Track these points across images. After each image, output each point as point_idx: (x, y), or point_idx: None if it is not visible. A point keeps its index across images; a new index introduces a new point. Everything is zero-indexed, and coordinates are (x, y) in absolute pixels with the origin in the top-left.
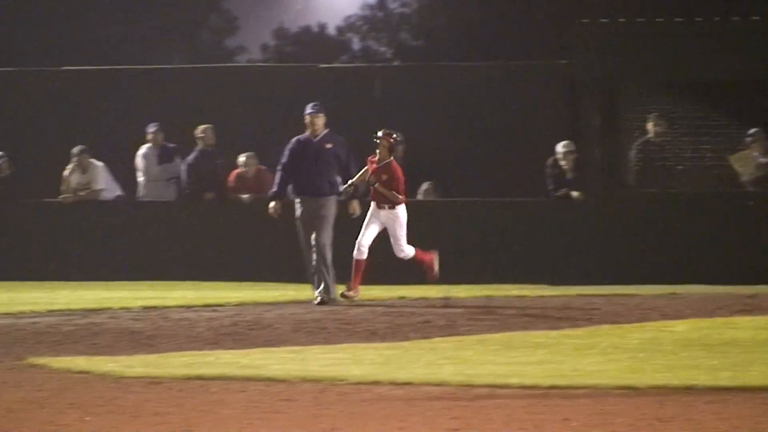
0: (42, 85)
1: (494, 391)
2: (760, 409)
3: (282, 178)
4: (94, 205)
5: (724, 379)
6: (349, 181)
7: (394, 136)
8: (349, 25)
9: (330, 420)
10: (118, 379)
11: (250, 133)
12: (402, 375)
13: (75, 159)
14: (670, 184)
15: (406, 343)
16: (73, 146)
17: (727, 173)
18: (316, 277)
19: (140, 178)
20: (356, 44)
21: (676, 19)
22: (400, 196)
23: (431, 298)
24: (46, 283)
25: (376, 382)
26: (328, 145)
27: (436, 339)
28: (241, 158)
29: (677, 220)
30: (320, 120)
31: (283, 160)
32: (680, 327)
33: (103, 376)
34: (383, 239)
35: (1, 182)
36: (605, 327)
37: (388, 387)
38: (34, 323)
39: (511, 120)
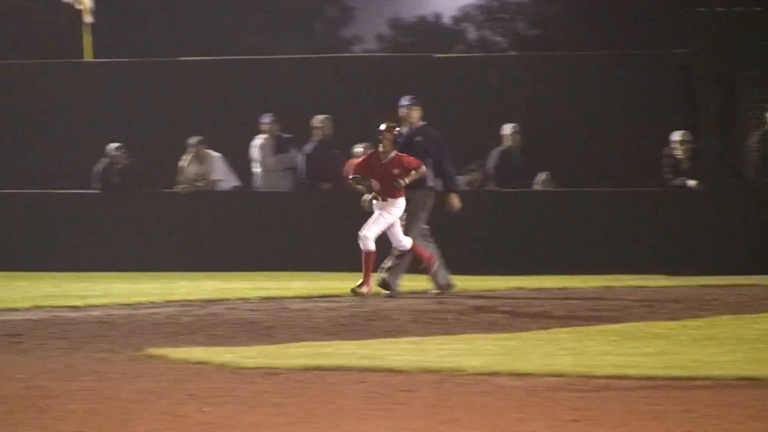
0: (159, 76)
1: (614, 382)
2: None
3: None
4: (211, 196)
5: None
6: (366, 198)
7: (398, 129)
8: (465, 15)
9: (449, 411)
10: (237, 370)
11: (366, 124)
12: (521, 366)
13: (192, 150)
14: None
15: (525, 334)
16: (190, 137)
17: None
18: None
19: (256, 168)
20: (472, 34)
21: None
22: (422, 169)
23: (549, 288)
24: (164, 274)
25: (495, 373)
26: (417, 138)
27: (555, 329)
28: (358, 148)
29: None
30: (415, 113)
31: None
32: None
33: (221, 367)
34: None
35: (118, 173)
36: (725, 318)
37: (507, 378)
38: (153, 314)
39: (627, 109)
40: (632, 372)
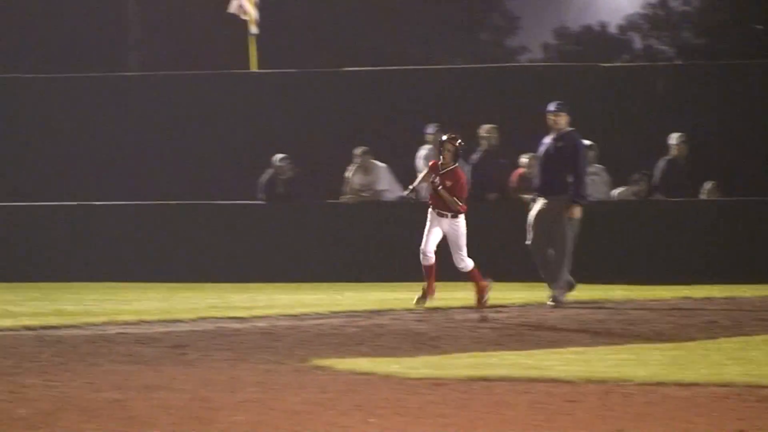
0: (324, 86)
1: None
2: None
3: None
4: (376, 206)
5: None
6: (411, 186)
7: (459, 140)
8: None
9: (615, 421)
10: (402, 381)
11: (532, 133)
12: (687, 375)
13: (357, 160)
14: None
15: (690, 344)
16: (355, 147)
17: None
18: (545, 275)
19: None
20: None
21: None
22: (461, 205)
23: (715, 297)
24: (329, 284)
25: (661, 383)
26: (560, 144)
27: (721, 339)
28: (524, 158)
29: None
30: (561, 119)
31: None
32: None
33: (386, 378)
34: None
35: (283, 184)
36: None
37: (673, 388)
38: (318, 325)
39: None
40: None
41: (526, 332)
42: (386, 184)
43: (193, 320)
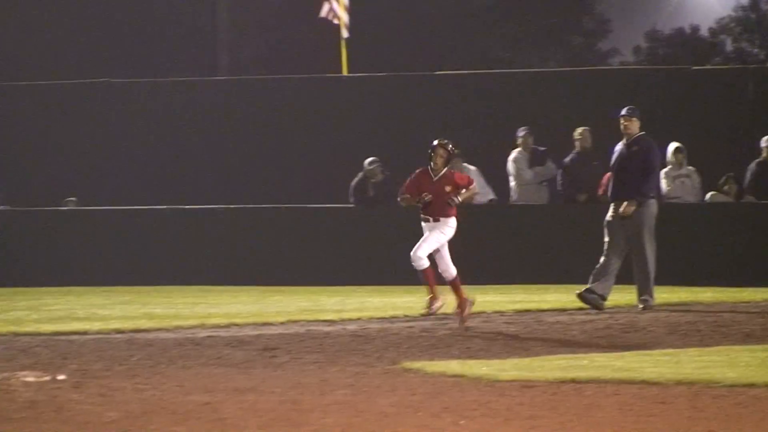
0: (414, 90)
1: None
2: None
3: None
4: (467, 209)
5: None
6: (424, 196)
7: (451, 146)
8: (722, 27)
9: (705, 423)
10: (492, 383)
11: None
12: None
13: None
14: None
15: None
16: None
17: None
18: (599, 279)
19: (512, 182)
20: (728, 46)
21: None
22: (476, 190)
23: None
24: (419, 288)
25: (751, 385)
26: (634, 149)
27: None
28: None
29: None
30: (633, 124)
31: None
32: None
33: (476, 380)
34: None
35: (374, 187)
36: None
37: (764, 389)
38: (408, 327)
39: None
40: None
41: (616, 334)
42: (477, 187)
43: (284, 323)
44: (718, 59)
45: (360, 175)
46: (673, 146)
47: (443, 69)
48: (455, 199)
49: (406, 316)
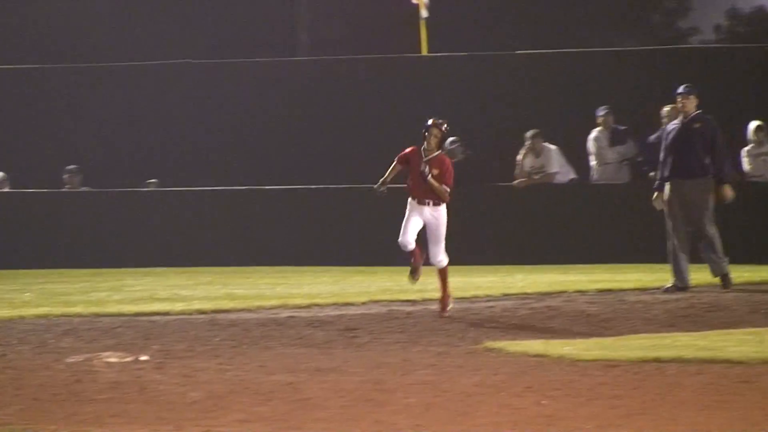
0: (495, 69)
1: None
2: None
3: (663, 161)
4: (548, 189)
5: None
6: (381, 180)
7: (446, 126)
8: None
9: None
10: (574, 363)
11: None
12: None
13: (528, 143)
14: None
15: None
16: (527, 130)
17: None
18: (674, 262)
19: (593, 161)
20: None
21: None
22: (448, 194)
23: None
24: (501, 267)
25: None
26: (696, 125)
27: None
28: None
29: None
30: (690, 102)
31: (662, 146)
32: None
33: (559, 360)
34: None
35: (455, 167)
36: None
37: None
38: (490, 307)
39: None
40: None
41: (699, 314)
42: (557, 166)
43: (365, 303)
44: None
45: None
46: (754, 124)
47: (522, 48)
48: (428, 168)
49: (488, 296)
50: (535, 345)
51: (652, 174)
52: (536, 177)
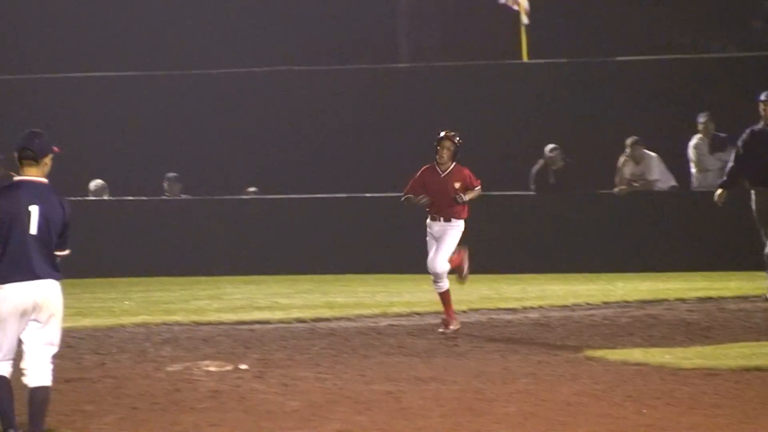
0: (595, 76)
1: None
2: None
3: (732, 168)
4: (648, 196)
5: None
6: (422, 198)
7: (458, 138)
8: None
9: None
10: (675, 371)
11: None
12: None
13: (628, 150)
14: None
15: None
16: (627, 137)
17: None
18: None
19: (693, 168)
20: None
21: None
22: (479, 188)
23: None
24: (600, 275)
25: None
26: None
27: None
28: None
29: None
30: None
31: (738, 150)
32: None
33: (659, 368)
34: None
35: (554, 174)
36: None
37: None
38: (590, 315)
39: None
40: None
41: None
42: (657, 173)
43: (465, 312)
44: None
45: (540, 162)
46: None
47: (622, 55)
48: (462, 196)
49: (588, 303)
50: (635, 353)
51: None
52: (636, 184)
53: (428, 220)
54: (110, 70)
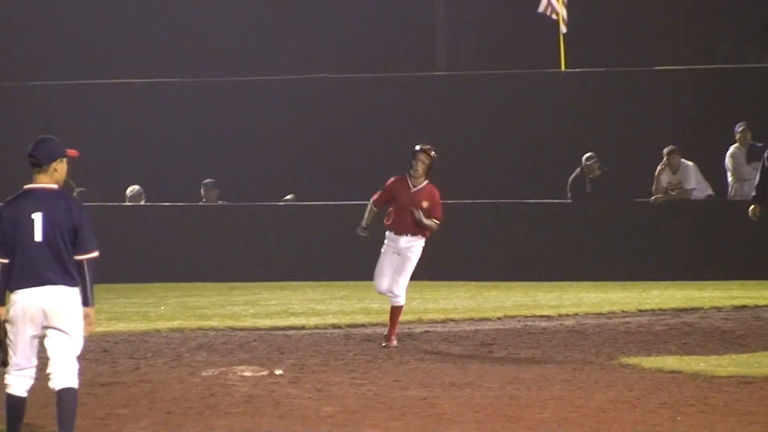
0: (633, 85)
1: None
2: None
3: (760, 183)
4: (685, 205)
5: None
6: (363, 224)
7: (434, 153)
8: None
9: None
10: (709, 379)
11: None
12: None
13: (665, 158)
14: None
15: None
16: (665, 146)
17: None
18: None
19: (729, 177)
20: None
21: None
22: (437, 224)
23: None
24: (636, 283)
25: None
26: None
27: None
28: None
29: None
30: None
31: (764, 163)
32: None
33: (694, 376)
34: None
35: (592, 182)
36: None
37: None
38: (625, 323)
39: None
40: None
41: None
42: (694, 182)
43: (500, 318)
44: None
45: (577, 170)
46: None
47: (660, 64)
48: (420, 213)
49: (623, 311)
50: (670, 361)
51: None
52: (673, 193)
53: (390, 233)
54: (149, 76)
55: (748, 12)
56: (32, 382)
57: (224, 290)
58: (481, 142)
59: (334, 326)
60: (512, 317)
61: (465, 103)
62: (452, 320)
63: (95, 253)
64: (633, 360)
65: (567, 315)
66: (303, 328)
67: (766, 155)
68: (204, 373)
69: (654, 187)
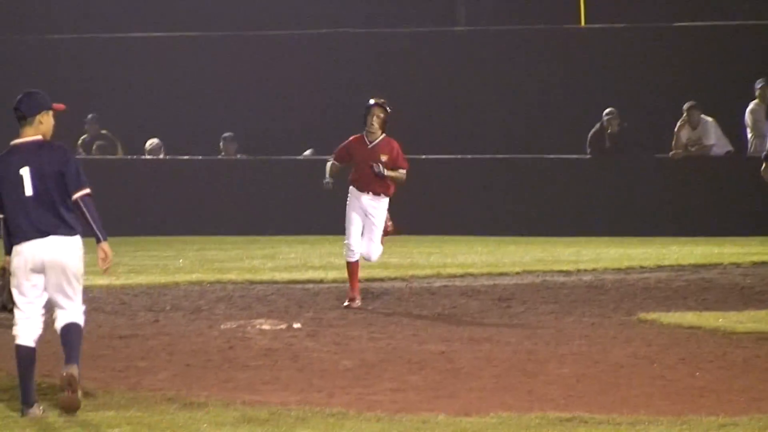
0: (653, 41)
1: None
2: None
3: None
4: (704, 161)
5: None
6: (327, 179)
7: (388, 107)
8: None
9: None
10: (728, 335)
11: None
12: None
13: (685, 115)
14: None
15: None
16: (684, 102)
17: None
18: None
19: (749, 133)
20: None
21: None
22: (404, 173)
23: None
24: (655, 239)
25: None
26: None
27: None
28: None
29: None
30: None
31: None
32: None
33: (712, 332)
34: None
35: (611, 138)
36: None
37: None
38: (644, 279)
39: None
40: None
41: None
42: (714, 138)
43: (519, 273)
44: None
45: (597, 125)
46: None
47: (681, 20)
48: (380, 166)
49: (642, 267)
50: (689, 317)
51: None
52: (693, 149)
53: (353, 189)
54: (168, 30)
55: None
56: (40, 331)
57: (243, 244)
58: (500, 97)
59: None
60: (531, 272)
61: (484, 58)
62: (471, 275)
63: (87, 190)
64: (652, 315)
65: (585, 270)
66: (321, 281)
67: None
68: (223, 326)
69: (674, 142)
